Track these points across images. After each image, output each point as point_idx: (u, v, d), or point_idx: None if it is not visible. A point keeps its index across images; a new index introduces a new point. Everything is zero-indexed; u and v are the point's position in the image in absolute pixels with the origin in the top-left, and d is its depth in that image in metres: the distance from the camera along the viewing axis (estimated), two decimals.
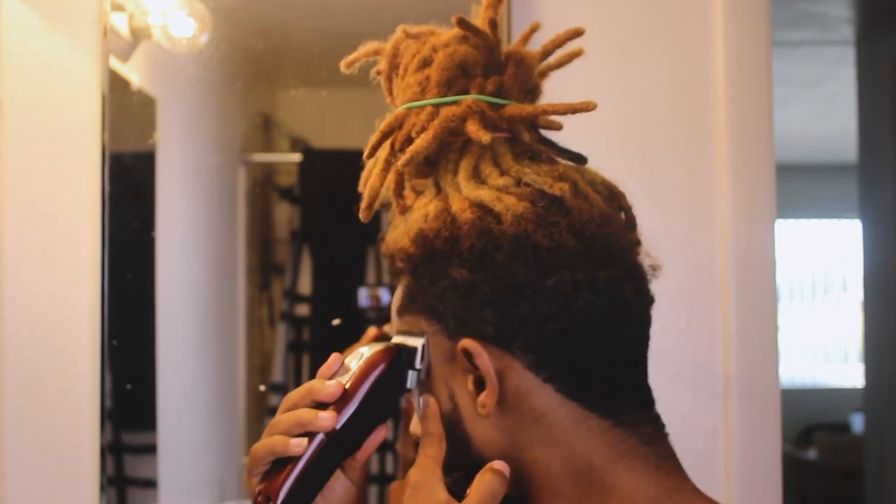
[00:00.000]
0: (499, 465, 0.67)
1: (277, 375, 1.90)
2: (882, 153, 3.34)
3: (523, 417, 0.67)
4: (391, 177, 0.74)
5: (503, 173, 0.70)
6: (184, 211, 1.80)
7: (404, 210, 0.74)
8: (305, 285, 1.92)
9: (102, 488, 1.42)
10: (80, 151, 1.44)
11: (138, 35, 1.58)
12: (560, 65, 0.80)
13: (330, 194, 1.95)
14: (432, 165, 0.74)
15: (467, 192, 0.69)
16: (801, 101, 4.53)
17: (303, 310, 1.93)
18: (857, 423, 5.40)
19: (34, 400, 1.42)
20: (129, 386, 1.57)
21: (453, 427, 0.69)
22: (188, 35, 1.60)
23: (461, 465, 0.70)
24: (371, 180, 0.74)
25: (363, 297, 1.89)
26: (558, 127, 0.76)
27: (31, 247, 1.43)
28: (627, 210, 0.74)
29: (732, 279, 1.40)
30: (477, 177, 0.70)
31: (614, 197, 0.73)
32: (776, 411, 1.40)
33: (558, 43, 0.79)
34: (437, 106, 0.72)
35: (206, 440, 1.83)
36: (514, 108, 0.73)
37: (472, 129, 0.70)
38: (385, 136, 0.74)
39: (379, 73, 0.79)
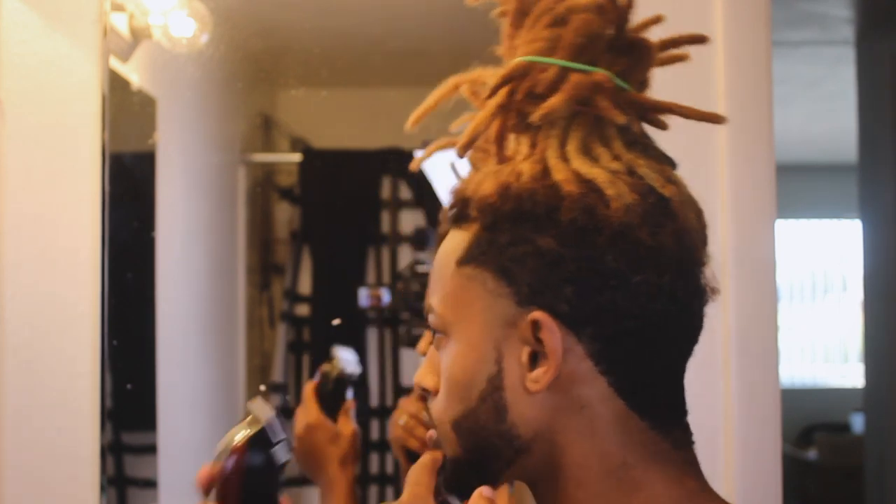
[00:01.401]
0: (487, 492, 0.67)
1: (277, 375, 1.90)
2: (882, 153, 3.34)
3: (569, 402, 0.66)
4: (496, 123, 0.71)
5: (615, 158, 0.68)
6: (184, 211, 1.80)
7: (503, 160, 0.70)
8: (305, 285, 1.92)
9: (102, 488, 1.42)
10: (80, 151, 1.44)
11: (138, 35, 1.58)
12: (663, 63, 0.77)
13: (330, 194, 1.95)
14: (528, 126, 0.70)
15: (578, 165, 0.67)
16: (801, 101, 4.53)
17: (303, 310, 1.93)
18: (857, 423, 5.40)
19: (34, 400, 1.42)
20: (129, 386, 1.57)
21: (492, 392, 0.67)
22: (188, 35, 1.60)
23: (490, 434, 0.68)
24: (479, 120, 0.70)
25: (363, 297, 1.89)
26: (664, 126, 0.73)
27: (31, 247, 1.43)
28: (705, 227, 0.73)
29: (732, 279, 1.40)
30: (588, 153, 0.68)
31: (699, 213, 0.72)
32: (776, 411, 1.40)
33: (679, 42, 0.76)
34: (565, 69, 0.69)
35: (206, 440, 1.83)
36: (638, 96, 0.71)
37: (605, 105, 0.68)
38: (506, 81, 0.70)
39: (504, 14, 0.75)
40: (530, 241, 0.65)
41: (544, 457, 0.67)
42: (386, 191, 1.93)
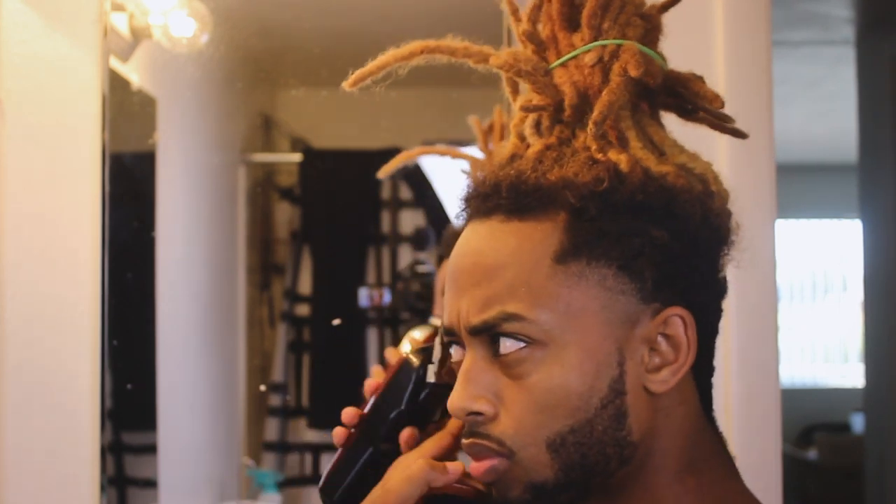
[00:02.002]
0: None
1: (277, 375, 1.90)
2: (882, 153, 3.34)
3: (671, 401, 0.64)
4: (617, 104, 0.66)
5: (693, 158, 0.68)
6: (184, 211, 1.80)
7: (623, 144, 0.66)
8: (305, 285, 1.92)
9: (102, 488, 1.42)
10: (80, 151, 1.44)
11: (138, 35, 1.58)
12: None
13: (330, 194, 1.95)
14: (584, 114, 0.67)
15: (683, 159, 0.66)
16: (801, 101, 4.53)
17: (303, 310, 1.93)
18: (857, 423, 5.40)
19: (34, 400, 1.42)
20: (129, 386, 1.57)
21: (613, 398, 0.61)
22: (188, 35, 1.61)
23: (604, 445, 0.62)
24: (614, 95, 0.64)
25: (363, 297, 1.89)
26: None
27: (31, 247, 1.43)
28: None
29: (732, 279, 1.40)
30: (681, 148, 0.67)
31: None
32: (776, 411, 1.40)
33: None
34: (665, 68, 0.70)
35: (206, 440, 1.83)
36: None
37: (711, 95, 0.72)
38: (643, 64, 0.66)
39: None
40: (647, 233, 0.62)
41: (629, 461, 0.63)
42: (386, 191, 1.93)
